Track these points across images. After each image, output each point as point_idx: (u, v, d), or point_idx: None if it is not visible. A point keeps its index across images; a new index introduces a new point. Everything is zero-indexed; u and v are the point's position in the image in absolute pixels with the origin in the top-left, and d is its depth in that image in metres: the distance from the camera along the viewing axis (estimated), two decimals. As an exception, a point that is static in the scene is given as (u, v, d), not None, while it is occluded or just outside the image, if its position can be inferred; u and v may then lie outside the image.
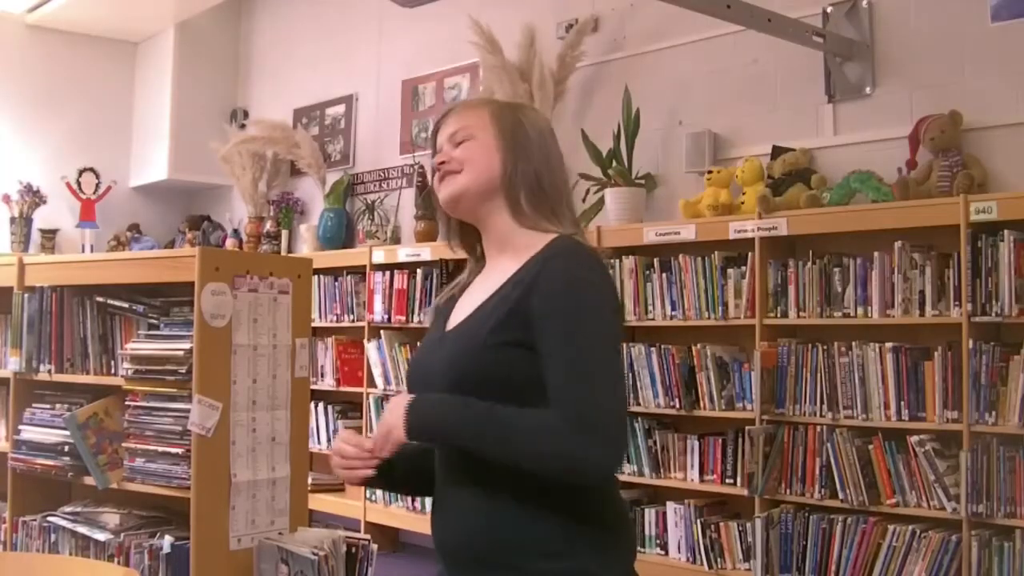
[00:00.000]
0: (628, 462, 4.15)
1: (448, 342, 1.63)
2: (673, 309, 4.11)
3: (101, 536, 3.08)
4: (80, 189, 6.77)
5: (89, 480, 3.12)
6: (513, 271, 1.60)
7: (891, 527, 3.42)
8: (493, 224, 1.66)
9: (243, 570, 2.81)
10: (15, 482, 3.39)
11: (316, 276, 5.31)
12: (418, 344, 1.88)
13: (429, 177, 1.75)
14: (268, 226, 6.46)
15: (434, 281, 4.98)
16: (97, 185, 6.84)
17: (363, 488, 5.19)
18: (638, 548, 4.06)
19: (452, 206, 1.67)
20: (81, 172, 6.79)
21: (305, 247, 6.12)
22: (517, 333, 1.52)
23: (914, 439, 3.38)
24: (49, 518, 3.28)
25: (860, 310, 3.59)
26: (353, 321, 5.44)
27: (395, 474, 1.68)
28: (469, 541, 1.56)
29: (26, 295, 3.42)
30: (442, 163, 1.67)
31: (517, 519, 1.52)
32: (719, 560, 3.88)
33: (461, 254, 1.79)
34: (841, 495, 3.54)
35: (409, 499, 5.00)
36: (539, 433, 1.47)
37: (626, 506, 1.67)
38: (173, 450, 2.88)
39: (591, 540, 1.53)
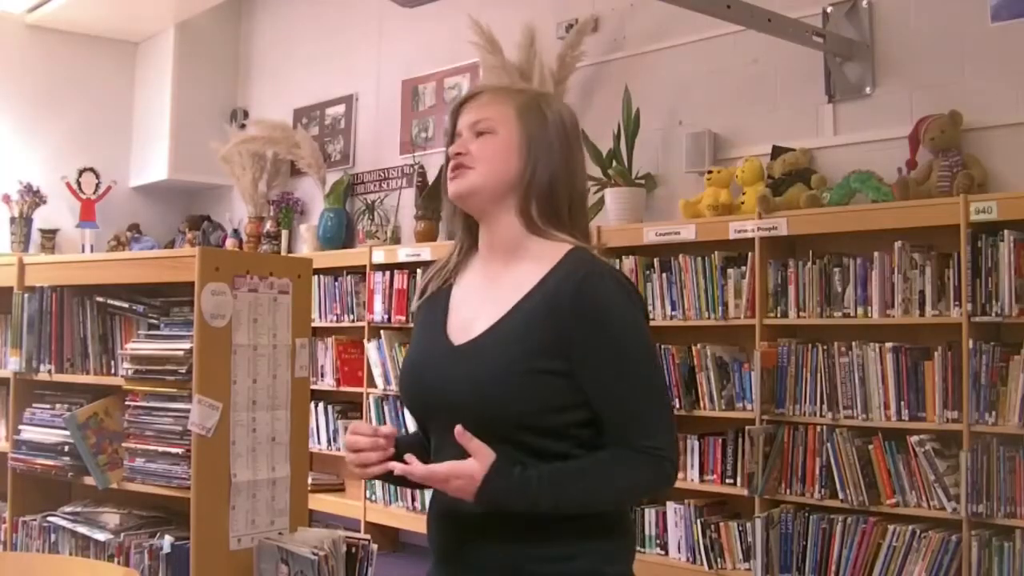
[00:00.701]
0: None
1: (466, 360, 1.55)
2: (673, 309, 4.11)
3: (101, 536, 3.08)
4: (80, 189, 6.77)
5: (89, 480, 3.12)
6: (531, 284, 1.55)
7: (891, 527, 3.41)
8: (500, 225, 1.61)
9: (243, 570, 2.81)
10: (15, 482, 3.39)
11: (316, 276, 5.31)
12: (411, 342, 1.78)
13: (445, 166, 1.66)
14: (268, 226, 6.46)
15: (434, 281, 4.97)
16: (97, 185, 6.84)
17: (363, 488, 5.20)
18: (638, 548, 4.09)
19: (460, 201, 1.63)
20: (81, 172, 6.79)
21: (305, 247, 6.12)
22: (552, 361, 1.49)
23: (914, 439, 3.38)
24: (49, 518, 3.28)
25: (860, 310, 3.58)
26: (353, 321, 5.44)
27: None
28: (471, 545, 1.55)
29: (26, 295, 3.42)
30: (458, 154, 1.61)
31: (520, 523, 1.50)
32: (719, 560, 3.88)
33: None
34: (841, 495, 3.54)
35: (409, 499, 5.00)
36: (632, 484, 1.54)
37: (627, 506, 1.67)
38: (173, 450, 2.88)
39: (594, 542, 1.53)
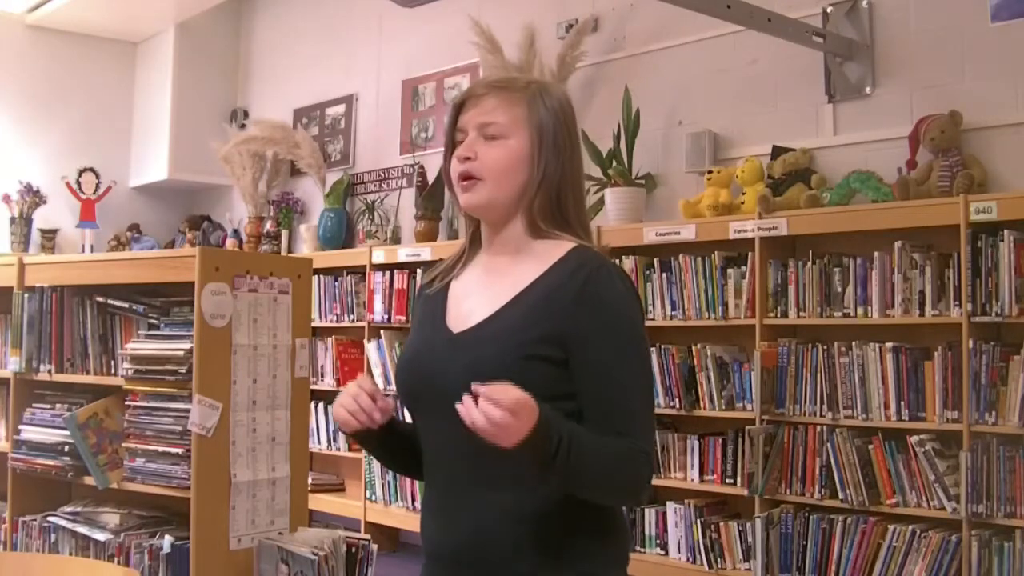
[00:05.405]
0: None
1: (465, 348, 1.55)
2: (673, 309, 4.11)
3: (101, 536, 3.08)
4: (80, 189, 6.78)
5: (89, 480, 3.12)
6: (531, 278, 1.56)
7: (891, 527, 3.42)
8: (505, 228, 1.61)
9: (243, 570, 2.81)
10: (15, 482, 3.39)
11: (316, 276, 5.31)
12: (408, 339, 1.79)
13: (446, 166, 1.63)
14: (268, 226, 6.47)
15: (434, 281, 4.98)
16: (97, 185, 6.84)
17: (363, 488, 5.20)
18: (638, 548, 4.10)
19: (472, 213, 1.63)
20: (81, 172, 6.79)
21: (305, 247, 6.12)
22: (549, 349, 1.49)
23: (914, 439, 3.38)
24: (49, 518, 3.28)
25: (860, 310, 3.59)
26: (353, 321, 5.44)
27: (390, 446, 1.75)
28: (469, 545, 1.54)
29: (26, 295, 3.42)
30: (467, 159, 1.58)
31: (519, 524, 1.51)
32: (719, 560, 3.88)
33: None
34: (841, 495, 3.54)
35: (409, 499, 5.00)
36: (627, 471, 1.48)
37: (623, 509, 1.66)
38: (173, 450, 2.88)
39: (591, 544, 1.53)
